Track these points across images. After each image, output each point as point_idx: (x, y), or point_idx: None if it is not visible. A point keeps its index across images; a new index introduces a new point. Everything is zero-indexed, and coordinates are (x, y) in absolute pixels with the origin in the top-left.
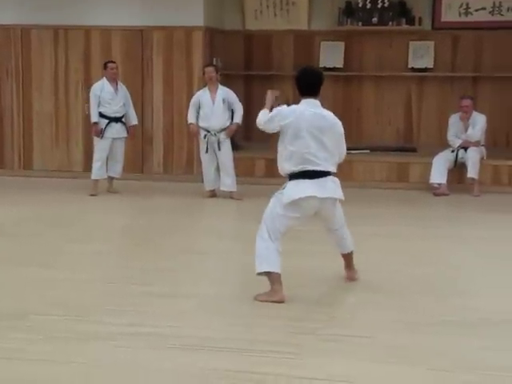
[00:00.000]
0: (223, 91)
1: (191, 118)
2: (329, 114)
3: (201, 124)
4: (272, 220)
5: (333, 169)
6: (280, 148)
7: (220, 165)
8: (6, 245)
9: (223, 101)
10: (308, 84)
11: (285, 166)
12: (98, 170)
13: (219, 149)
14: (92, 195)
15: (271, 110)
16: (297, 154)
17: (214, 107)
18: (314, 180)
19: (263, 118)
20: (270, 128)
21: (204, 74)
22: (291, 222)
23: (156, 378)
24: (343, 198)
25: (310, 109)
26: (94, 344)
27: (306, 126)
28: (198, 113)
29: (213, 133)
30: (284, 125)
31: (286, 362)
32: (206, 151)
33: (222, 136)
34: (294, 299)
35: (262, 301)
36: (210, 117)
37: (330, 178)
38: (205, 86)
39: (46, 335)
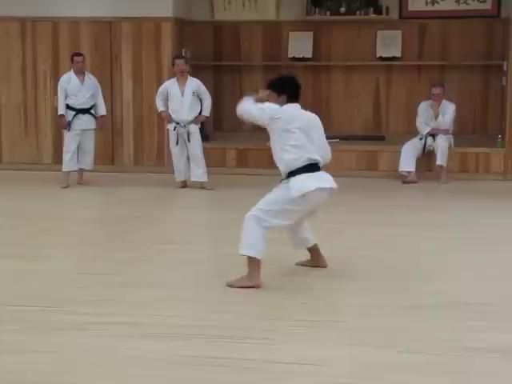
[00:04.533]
0: (193, 83)
1: (161, 106)
2: (311, 114)
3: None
4: (276, 213)
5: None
6: (277, 146)
7: (190, 156)
8: None
9: (193, 93)
10: (296, 92)
11: (289, 162)
12: (68, 162)
13: (189, 140)
14: (63, 187)
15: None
16: (297, 149)
17: (183, 99)
18: (315, 173)
19: (250, 107)
20: (256, 117)
21: (173, 65)
22: (298, 215)
23: (129, 366)
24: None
25: (296, 110)
26: (68, 333)
27: (297, 124)
28: (167, 103)
29: (182, 125)
30: (275, 119)
31: (258, 348)
32: (177, 143)
33: (192, 127)
34: (266, 286)
35: (238, 287)
36: (180, 109)
37: (322, 171)
38: (173, 77)
39: (21, 326)
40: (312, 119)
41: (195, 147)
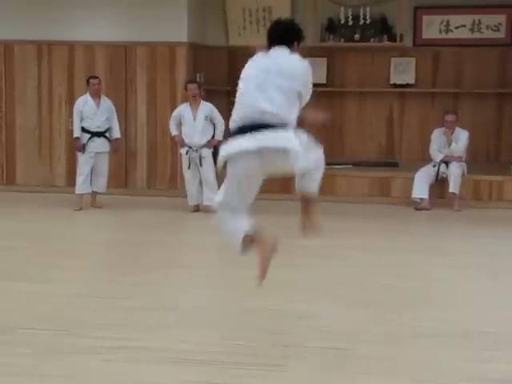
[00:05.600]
0: (206, 107)
1: (174, 130)
2: (291, 58)
3: None
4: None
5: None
6: None
7: (203, 180)
8: None
9: (206, 117)
10: (277, 35)
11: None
12: (81, 185)
13: (201, 164)
14: (76, 210)
15: None
16: (237, 104)
17: (195, 123)
18: (255, 133)
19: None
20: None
21: (186, 89)
22: (236, 186)
23: None
24: None
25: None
26: (80, 358)
27: (253, 67)
28: (180, 128)
29: (194, 149)
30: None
31: (267, 375)
32: (189, 167)
33: (204, 152)
34: (277, 312)
35: (266, 257)
36: (192, 133)
37: (277, 130)
38: (186, 102)
39: (33, 349)
40: (284, 63)
41: (207, 171)
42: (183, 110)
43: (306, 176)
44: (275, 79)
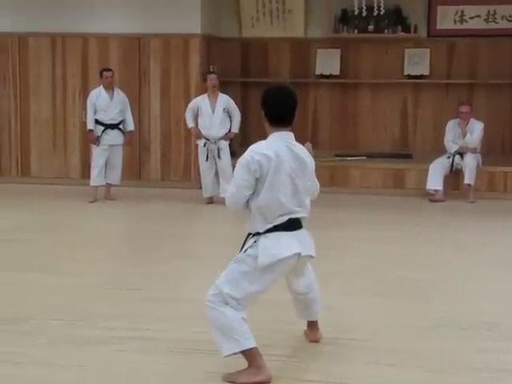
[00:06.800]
0: (223, 99)
1: (190, 122)
2: (303, 151)
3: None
4: (239, 286)
5: (305, 215)
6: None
7: (220, 172)
8: (5, 251)
9: (223, 110)
10: (284, 113)
11: (256, 223)
12: (96, 177)
13: (219, 156)
14: (91, 202)
15: None
16: (273, 204)
17: (213, 116)
18: (293, 233)
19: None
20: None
21: (205, 80)
22: (268, 285)
23: (153, 380)
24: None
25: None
26: (93, 348)
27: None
28: (196, 119)
29: (212, 141)
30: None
31: (282, 365)
32: (207, 159)
33: (222, 144)
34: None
35: (241, 383)
36: (210, 125)
37: (304, 230)
38: (204, 93)
39: (47, 339)
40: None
41: (225, 163)
42: (200, 101)
43: (304, 303)
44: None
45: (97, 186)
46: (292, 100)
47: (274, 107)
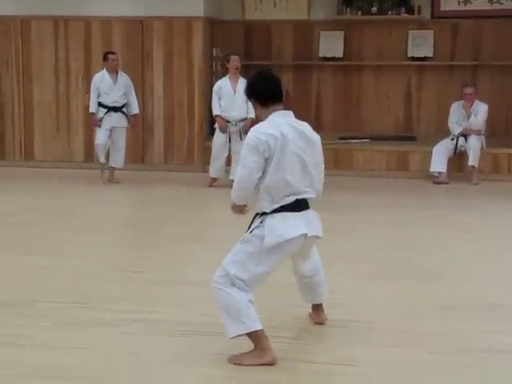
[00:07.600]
0: (244, 82)
1: (217, 109)
2: (307, 128)
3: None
4: (245, 267)
5: (313, 196)
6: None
7: (234, 155)
8: (9, 234)
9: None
10: (273, 89)
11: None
12: (100, 153)
13: (241, 138)
14: (104, 183)
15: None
16: (280, 184)
17: (235, 97)
18: (300, 213)
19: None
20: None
21: (228, 61)
22: (275, 266)
23: (157, 363)
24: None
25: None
26: (97, 330)
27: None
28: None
29: (234, 123)
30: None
31: (288, 347)
32: (229, 141)
33: (243, 126)
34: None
35: (246, 365)
36: (231, 107)
37: (312, 211)
38: (224, 76)
39: (52, 322)
40: (306, 137)
41: (241, 146)
42: (222, 83)
43: (309, 286)
44: None
45: (103, 163)
46: (275, 77)
47: (262, 87)
